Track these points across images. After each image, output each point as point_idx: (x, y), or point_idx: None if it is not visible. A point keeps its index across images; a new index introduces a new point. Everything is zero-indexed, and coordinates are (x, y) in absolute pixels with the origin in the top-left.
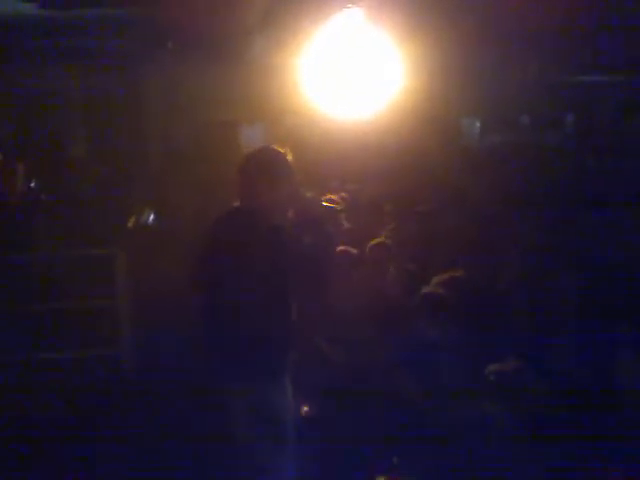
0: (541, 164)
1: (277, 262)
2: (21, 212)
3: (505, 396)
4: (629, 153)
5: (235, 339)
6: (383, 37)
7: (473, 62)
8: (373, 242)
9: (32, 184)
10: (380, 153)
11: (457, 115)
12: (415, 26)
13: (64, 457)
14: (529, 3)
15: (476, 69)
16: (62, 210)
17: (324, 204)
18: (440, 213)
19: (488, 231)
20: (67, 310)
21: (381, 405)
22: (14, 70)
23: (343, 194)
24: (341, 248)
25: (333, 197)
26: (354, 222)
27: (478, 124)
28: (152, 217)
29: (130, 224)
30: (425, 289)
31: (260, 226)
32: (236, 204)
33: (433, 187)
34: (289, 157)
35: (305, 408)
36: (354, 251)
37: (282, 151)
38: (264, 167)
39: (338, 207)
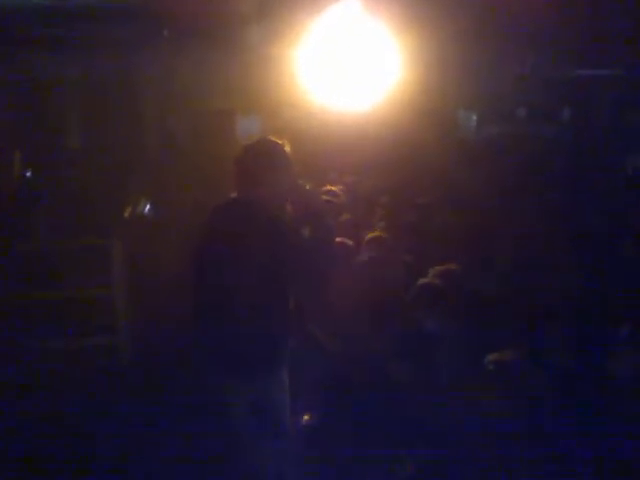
0: (538, 156)
1: (275, 253)
2: (18, 202)
3: (505, 386)
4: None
5: (232, 332)
6: (381, 28)
7: (470, 54)
8: (371, 234)
9: (28, 174)
10: (377, 145)
11: (454, 107)
12: (412, 17)
13: (61, 446)
14: None
15: (473, 61)
16: (59, 200)
17: (324, 197)
18: (437, 205)
19: (485, 223)
20: (64, 299)
21: (378, 396)
22: (11, 58)
23: (340, 187)
24: (338, 240)
25: (333, 188)
26: (350, 214)
27: (475, 117)
28: (149, 207)
29: (127, 214)
30: (422, 280)
31: (258, 217)
32: (234, 195)
33: (431, 179)
34: (287, 148)
35: (306, 417)
36: (350, 242)
37: (280, 142)
38: (262, 158)
39: (337, 199)
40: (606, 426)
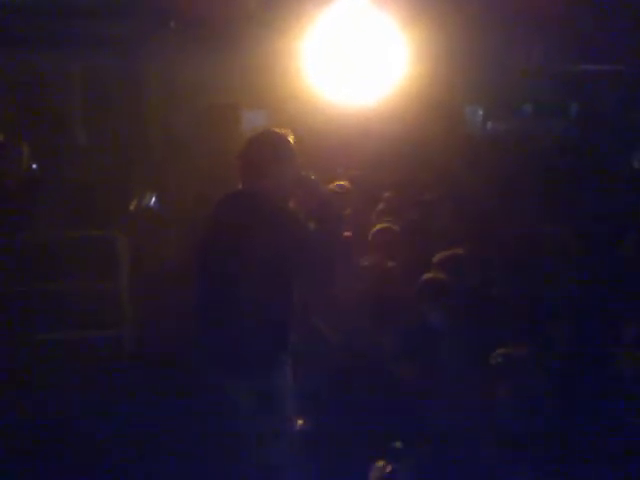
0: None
1: (280, 245)
2: (24, 193)
3: (510, 380)
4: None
5: (234, 326)
6: (387, 22)
7: (477, 47)
8: (378, 226)
9: (34, 166)
10: (383, 139)
11: (461, 102)
12: (419, 11)
13: (66, 438)
14: None
15: (480, 55)
16: (64, 193)
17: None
18: (442, 202)
19: (486, 222)
20: (70, 291)
21: (381, 390)
22: (16, 53)
23: (345, 182)
24: (345, 233)
25: (342, 183)
26: (353, 207)
27: (480, 112)
28: (154, 200)
29: (132, 207)
30: (426, 275)
31: (263, 208)
32: (238, 187)
33: (435, 176)
34: (291, 139)
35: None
36: (349, 235)
37: (284, 134)
38: (266, 149)
39: (344, 192)
40: (607, 426)
